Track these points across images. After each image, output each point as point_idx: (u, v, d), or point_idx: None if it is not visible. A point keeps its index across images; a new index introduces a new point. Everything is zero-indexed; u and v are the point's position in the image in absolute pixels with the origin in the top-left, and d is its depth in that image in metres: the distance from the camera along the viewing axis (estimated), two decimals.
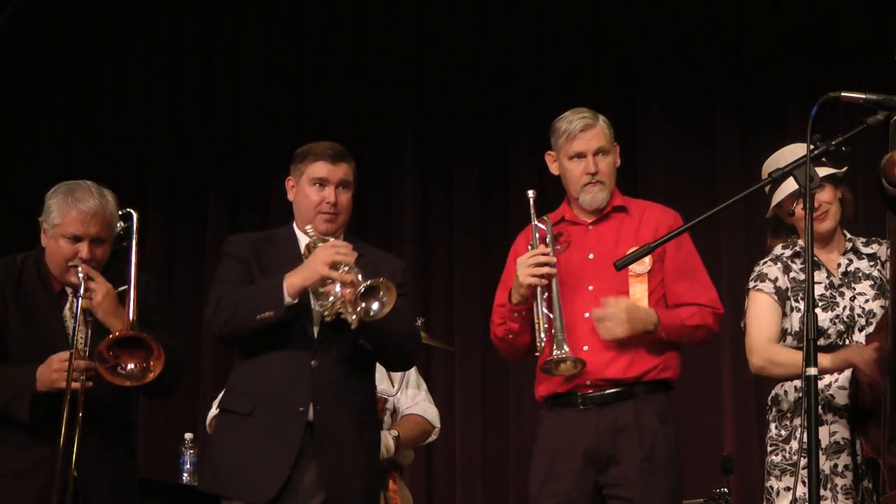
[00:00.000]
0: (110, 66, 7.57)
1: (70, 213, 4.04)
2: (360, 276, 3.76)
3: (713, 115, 6.65)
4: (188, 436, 5.39)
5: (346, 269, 3.80)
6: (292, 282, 3.83)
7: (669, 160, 6.67)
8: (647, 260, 3.91)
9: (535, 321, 3.90)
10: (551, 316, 3.89)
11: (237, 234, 4.27)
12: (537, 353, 3.94)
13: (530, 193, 4.07)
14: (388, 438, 4.71)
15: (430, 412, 4.97)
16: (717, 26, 6.69)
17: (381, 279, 3.75)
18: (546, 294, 3.91)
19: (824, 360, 3.85)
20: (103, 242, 4.10)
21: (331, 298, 3.81)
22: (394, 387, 4.87)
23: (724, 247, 6.46)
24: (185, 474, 5.33)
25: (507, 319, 4.02)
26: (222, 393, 4.11)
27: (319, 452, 3.84)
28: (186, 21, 7.51)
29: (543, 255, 3.92)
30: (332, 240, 3.91)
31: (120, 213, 4.12)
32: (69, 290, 4.08)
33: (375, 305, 3.74)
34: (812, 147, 3.33)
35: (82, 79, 7.58)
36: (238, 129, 7.34)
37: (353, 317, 3.75)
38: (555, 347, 3.86)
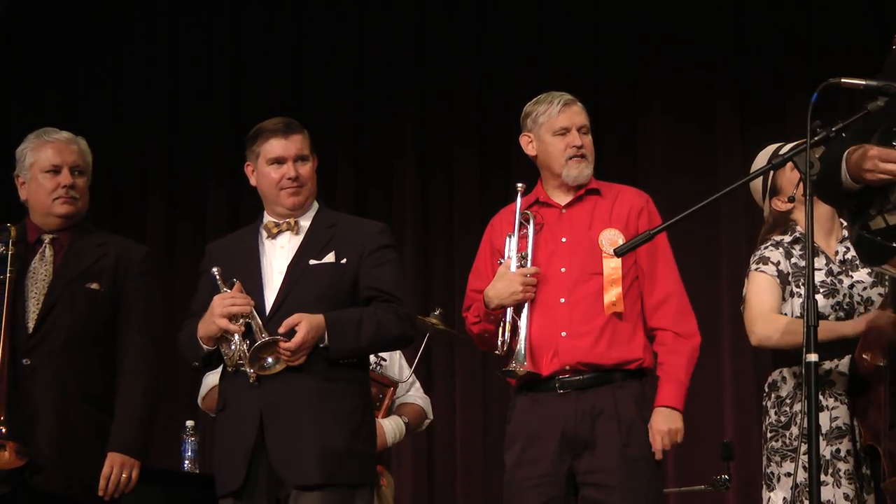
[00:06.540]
0: (110, 48, 7.57)
1: (45, 147, 4.00)
2: (261, 331, 3.69)
3: (713, 104, 6.64)
4: (189, 423, 5.38)
5: (243, 320, 3.72)
6: (200, 335, 3.79)
7: (669, 149, 6.66)
8: (619, 240, 3.93)
9: (501, 322, 3.95)
10: (519, 323, 3.93)
11: (214, 242, 4.16)
12: (498, 352, 3.99)
13: (519, 186, 4.10)
14: (400, 424, 4.71)
15: (425, 401, 4.98)
16: (717, 14, 6.68)
17: (277, 337, 3.67)
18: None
19: (845, 327, 3.88)
20: (83, 174, 4.03)
21: (233, 347, 3.73)
22: (406, 374, 4.84)
23: (724, 235, 6.46)
24: (187, 462, 5.33)
25: (482, 320, 4.04)
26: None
27: (270, 422, 3.70)
28: (187, 2, 7.51)
29: (535, 274, 3.95)
30: (232, 290, 3.79)
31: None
32: (45, 238, 3.99)
33: (270, 360, 3.68)
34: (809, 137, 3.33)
35: (81, 60, 7.58)
36: (238, 109, 7.34)
37: (251, 370, 3.69)
38: (514, 360, 3.91)
